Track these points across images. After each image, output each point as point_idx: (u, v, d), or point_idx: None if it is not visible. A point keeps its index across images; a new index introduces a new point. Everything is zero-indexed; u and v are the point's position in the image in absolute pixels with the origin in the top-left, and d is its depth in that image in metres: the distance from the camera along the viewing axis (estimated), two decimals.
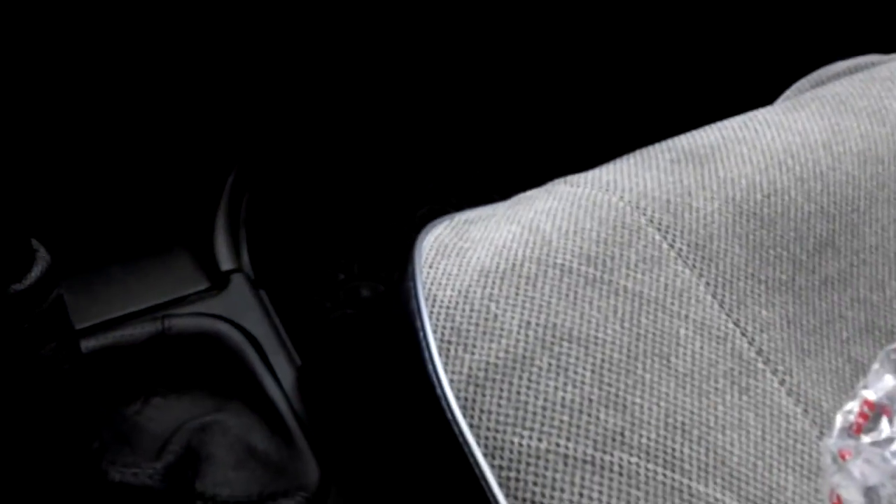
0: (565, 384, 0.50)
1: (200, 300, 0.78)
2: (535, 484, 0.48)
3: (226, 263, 0.82)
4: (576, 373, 0.51)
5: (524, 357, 0.51)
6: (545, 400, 0.50)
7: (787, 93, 0.81)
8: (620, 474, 0.48)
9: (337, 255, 1.17)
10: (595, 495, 0.48)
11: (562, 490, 0.48)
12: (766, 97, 0.80)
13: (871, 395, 0.53)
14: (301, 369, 0.76)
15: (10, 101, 0.44)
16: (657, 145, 0.66)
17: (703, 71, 1.30)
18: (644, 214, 0.58)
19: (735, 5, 1.27)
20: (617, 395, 0.50)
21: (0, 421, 0.53)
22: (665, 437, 0.49)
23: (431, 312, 0.54)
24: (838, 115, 0.67)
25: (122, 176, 0.84)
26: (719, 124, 0.68)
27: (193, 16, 0.81)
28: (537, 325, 0.52)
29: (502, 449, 0.49)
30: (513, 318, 0.52)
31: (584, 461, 0.48)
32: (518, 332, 0.52)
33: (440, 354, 0.52)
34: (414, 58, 1.21)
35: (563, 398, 0.50)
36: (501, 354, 0.51)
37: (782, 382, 0.53)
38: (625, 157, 0.66)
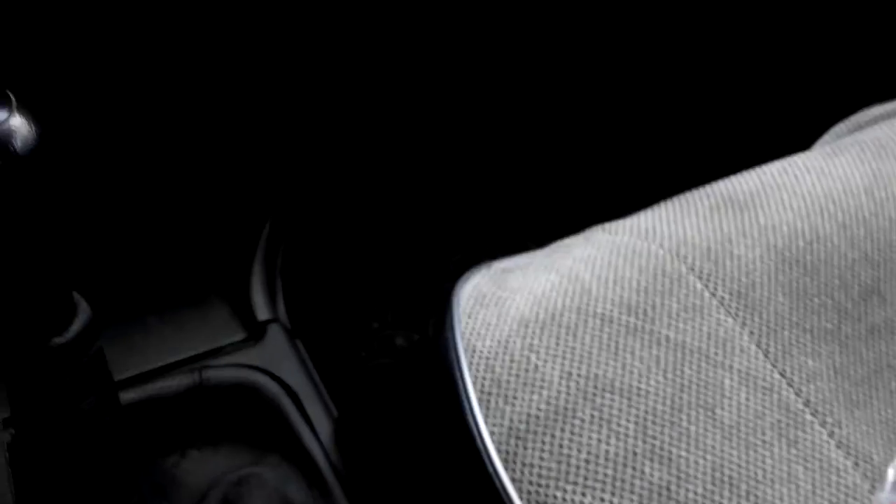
0: (608, 437, 0.49)
1: (237, 351, 0.78)
2: None
3: (262, 313, 0.82)
4: (619, 425, 0.50)
5: (566, 409, 0.50)
6: (588, 453, 0.49)
7: (826, 137, 0.80)
8: None
9: (371, 303, 1.16)
10: None
11: None
12: (802, 142, 0.79)
13: None
14: (338, 420, 0.75)
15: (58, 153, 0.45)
16: (696, 191, 0.66)
17: (740, 114, 1.29)
18: (685, 262, 0.58)
19: (770, 50, 1.27)
20: (662, 448, 0.49)
21: (41, 474, 0.53)
22: (712, 492, 0.48)
23: (471, 363, 0.53)
24: (879, 160, 0.66)
25: (160, 226, 0.85)
26: (758, 170, 0.67)
27: (233, 69, 0.82)
28: (579, 375, 0.51)
29: None
30: (554, 368, 0.52)
31: None
32: (559, 384, 0.51)
33: (480, 406, 0.52)
34: (448, 107, 1.22)
35: (607, 451, 0.49)
36: (543, 406, 0.51)
37: (831, 434, 0.52)
38: (663, 204, 0.65)
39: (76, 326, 0.48)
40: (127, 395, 0.70)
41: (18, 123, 0.41)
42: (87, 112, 0.76)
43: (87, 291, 0.51)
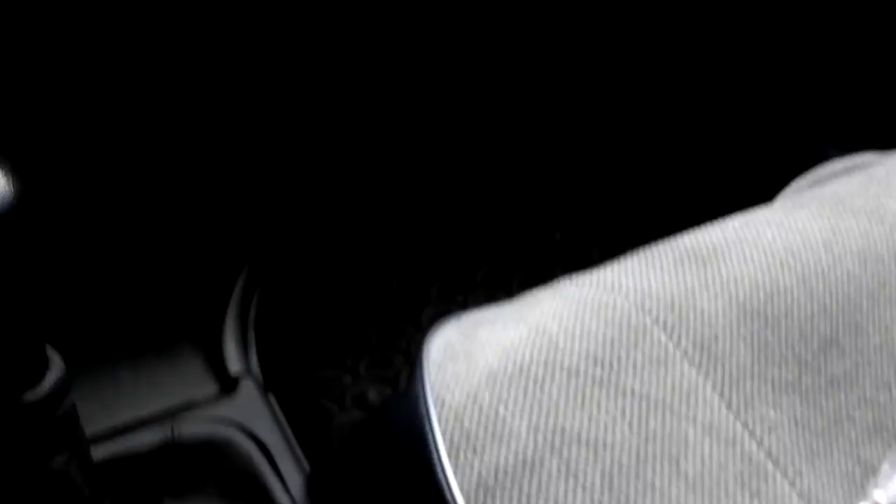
0: (575, 489, 0.50)
1: (209, 405, 0.78)
2: None
3: (235, 367, 0.83)
4: (586, 477, 0.51)
5: (534, 461, 0.51)
6: None
7: (786, 192, 0.82)
8: None
9: (343, 357, 1.17)
10: None
11: None
12: (763, 195, 0.81)
13: (881, 496, 0.53)
14: (310, 476, 0.75)
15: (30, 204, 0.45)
16: (660, 245, 0.67)
17: (702, 167, 1.32)
18: (649, 315, 0.59)
19: (733, 105, 1.30)
20: (627, 500, 0.50)
21: None
22: None
23: (440, 416, 0.54)
24: (837, 215, 0.68)
25: (133, 276, 0.85)
26: (721, 224, 0.69)
27: (205, 113, 0.82)
28: (546, 428, 0.52)
29: None
30: (521, 421, 0.53)
31: None
32: (527, 436, 0.52)
33: (450, 458, 0.52)
34: (415, 161, 1.23)
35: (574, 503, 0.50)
36: (511, 458, 0.51)
37: (793, 485, 0.53)
38: (629, 257, 0.67)
39: (49, 382, 0.49)
40: (98, 451, 0.70)
41: None
42: (57, 163, 0.77)
43: (59, 342, 0.52)
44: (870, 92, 1.22)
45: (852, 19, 1.20)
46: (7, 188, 0.42)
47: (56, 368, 0.50)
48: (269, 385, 0.84)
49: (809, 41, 1.24)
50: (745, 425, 0.55)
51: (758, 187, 0.86)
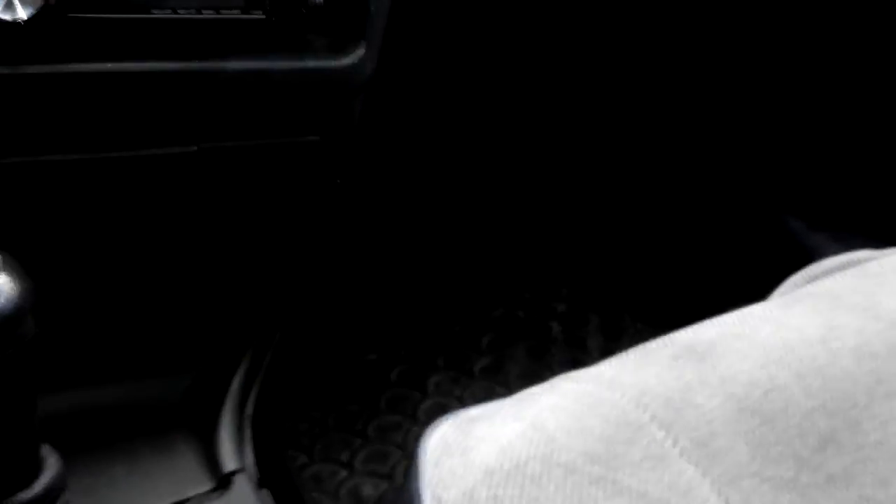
0: None
1: (203, 501, 0.77)
2: None
3: (230, 464, 0.82)
4: None
5: None
6: None
7: (782, 288, 0.83)
8: None
9: (339, 451, 1.16)
10: None
11: None
12: (759, 292, 0.82)
13: None
14: None
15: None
16: (657, 340, 0.68)
17: (700, 262, 1.33)
18: (646, 411, 0.59)
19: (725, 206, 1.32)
20: None
21: None
22: None
23: None
24: (833, 311, 0.69)
25: (129, 369, 0.85)
26: (717, 320, 0.69)
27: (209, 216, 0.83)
28: None
29: None
30: None
31: None
32: None
33: None
34: (409, 247, 1.24)
35: None
36: None
37: None
38: (626, 353, 0.67)
39: (43, 481, 0.48)
40: None
41: (3, 281, 0.42)
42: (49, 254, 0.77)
43: (54, 434, 0.52)
44: (828, 164, 1.25)
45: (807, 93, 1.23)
46: (14, 288, 0.42)
47: (51, 469, 0.49)
48: (264, 481, 0.84)
49: (771, 111, 1.27)
50: None
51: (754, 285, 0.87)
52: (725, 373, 0.62)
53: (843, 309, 0.69)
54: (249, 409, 0.87)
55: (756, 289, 0.86)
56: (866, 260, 0.81)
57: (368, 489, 1.13)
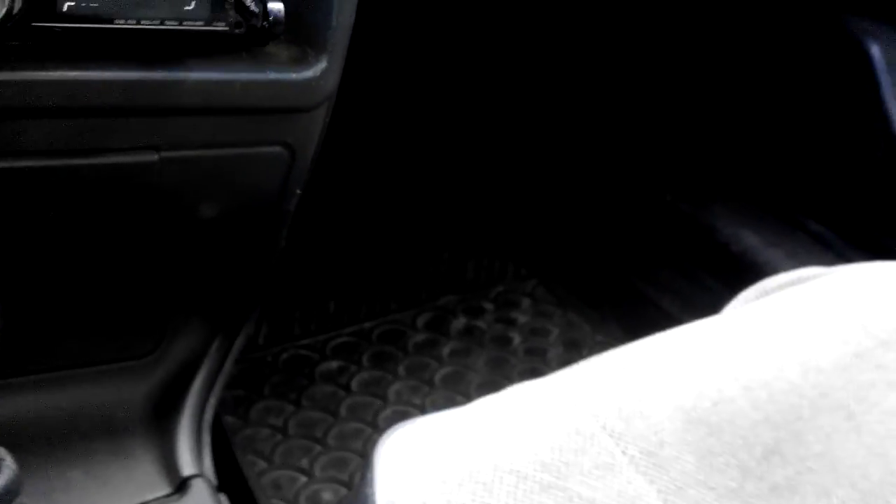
0: None
1: None
2: None
3: (188, 469, 0.82)
4: None
5: None
6: None
7: (734, 303, 0.85)
8: None
9: (298, 458, 1.16)
10: None
11: None
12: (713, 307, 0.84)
13: None
14: None
15: None
16: (611, 352, 0.69)
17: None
18: (597, 421, 0.60)
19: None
20: None
21: None
22: None
23: None
24: (780, 327, 0.71)
25: (85, 376, 0.85)
26: (669, 333, 0.71)
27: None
28: None
29: None
30: None
31: None
32: None
33: None
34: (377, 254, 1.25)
35: None
36: None
37: None
38: (580, 364, 0.68)
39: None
40: None
41: None
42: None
43: (9, 437, 0.52)
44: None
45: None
46: None
47: (6, 472, 0.50)
48: (223, 486, 0.84)
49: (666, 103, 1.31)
50: None
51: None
52: (675, 384, 0.64)
53: (790, 324, 0.71)
54: (208, 415, 0.87)
55: (708, 303, 0.88)
56: (815, 276, 0.83)
57: (328, 495, 1.14)
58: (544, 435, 0.59)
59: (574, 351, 1.37)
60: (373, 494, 0.56)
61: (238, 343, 0.86)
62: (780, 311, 0.73)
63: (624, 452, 0.59)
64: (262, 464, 1.16)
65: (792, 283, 0.84)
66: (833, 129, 1.21)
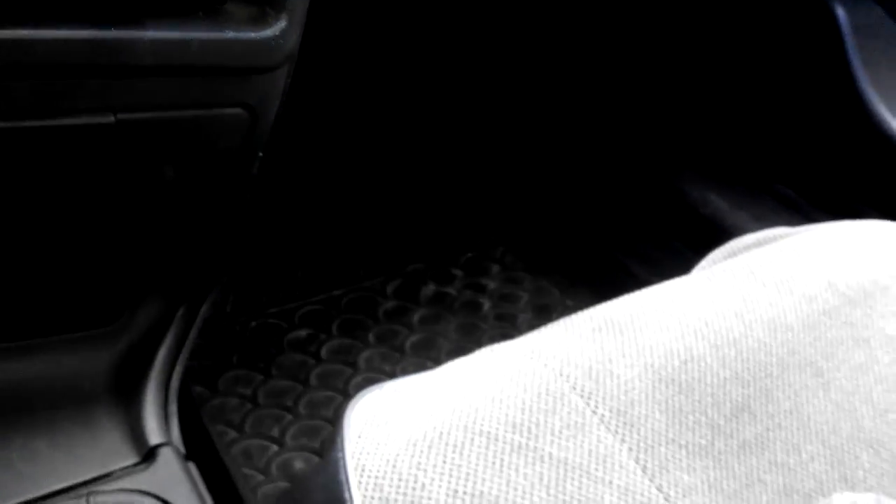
0: None
1: (127, 475, 0.77)
2: None
3: (154, 437, 0.81)
4: None
5: None
6: None
7: (702, 263, 0.85)
8: None
9: (269, 426, 1.16)
10: None
11: None
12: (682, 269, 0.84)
13: None
14: None
15: None
16: (580, 314, 0.69)
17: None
18: (567, 381, 0.60)
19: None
20: None
21: None
22: None
23: (360, 483, 0.54)
24: (749, 285, 0.71)
25: (49, 344, 0.83)
26: (637, 294, 0.71)
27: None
28: (464, 493, 0.53)
29: None
30: (440, 486, 0.53)
31: None
32: (445, 501, 0.52)
33: None
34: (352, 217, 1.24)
35: None
36: None
37: None
38: (550, 325, 0.68)
39: None
40: None
41: None
42: None
43: None
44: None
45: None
46: None
47: None
48: (191, 455, 0.83)
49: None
50: (659, 489, 0.56)
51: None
52: (644, 344, 0.64)
53: (758, 283, 0.71)
54: (175, 383, 0.86)
55: (678, 266, 0.88)
56: (783, 236, 0.83)
57: (300, 464, 1.13)
58: (514, 396, 0.59)
59: (544, 316, 1.38)
60: (343, 458, 0.56)
61: (203, 311, 0.85)
62: (747, 270, 0.73)
63: (594, 412, 0.59)
64: (232, 433, 1.15)
65: (759, 244, 0.84)
66: (800, 93, 1.22)
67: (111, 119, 0.61)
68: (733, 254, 0.83)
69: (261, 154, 0.69)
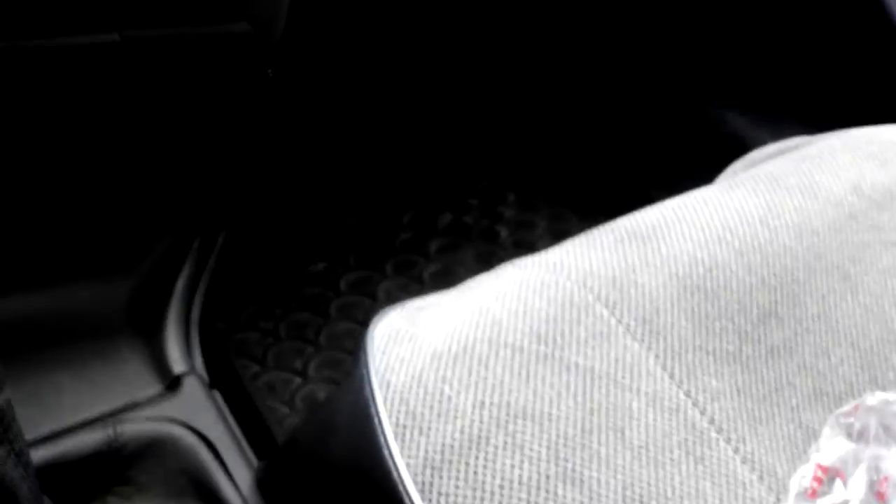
0: (521, 462, 0.50)
1: (152, 405, 0.77)
2: None
3: (178, 366, 0.81)
4: (531, 450, 0.51)
5: (479, 437, 0.51)
6: (502, 479, 0.50)
7: (724, 174, 0.83)
8: None
9: (292, 358, 1.16)
10: None
11: None
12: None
13: (823, 459, 0.53)
14: (259, 469, 0.75)
15: None
16: (601, 227, 0.68)
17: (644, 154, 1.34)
18: (591, 292, 0.59)
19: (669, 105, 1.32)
20: (574, 471, 0.50)
21: None
22: None
23: (385, 398, 0.54)
24: (772, 192, 0.70)
25: (69, 277, 0.83)
26: (660, 205, 0.70)
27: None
28: (491, 404, 0.52)
29: None
30: (466, 398, 0.53)
31: None
32: (472, 413, 0.52)
33: (396, 439, 0.52)
34: (362, 154, 1.23)
35: (521, 476, 0.50)
36: (457, 435, 0.51)
37: (736, 451, 0.54)
38: (570, 239, 0.67)
39: None
40: (40, 454, 0.69)
41: None
42: None
43: None
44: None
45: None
46: None
47: None
48: (215, 383, 0.83)
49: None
50: (687, 394, 0.55)
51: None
52: (668, 253, 0.63)
53: (782, 190, 0.70)
54: (195, 314, 0.86)
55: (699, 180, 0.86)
56: (803, 145, 0.82)
57: (323, 395, 1.14)
58: (538, 308, 0.58)
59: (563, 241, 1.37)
60: (367, 375, 0.56)
61: (220, 240, 0.85)
62: (770, 177, 0.72)
63: (619, 321, 0.58)
64: (255, 367, 1.15)
65: (781, 153, 0.83)
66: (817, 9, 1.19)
67: (115, 37, 0.59)
68: (754, 164, 0.82)
69: (270, 72, 0.68)
